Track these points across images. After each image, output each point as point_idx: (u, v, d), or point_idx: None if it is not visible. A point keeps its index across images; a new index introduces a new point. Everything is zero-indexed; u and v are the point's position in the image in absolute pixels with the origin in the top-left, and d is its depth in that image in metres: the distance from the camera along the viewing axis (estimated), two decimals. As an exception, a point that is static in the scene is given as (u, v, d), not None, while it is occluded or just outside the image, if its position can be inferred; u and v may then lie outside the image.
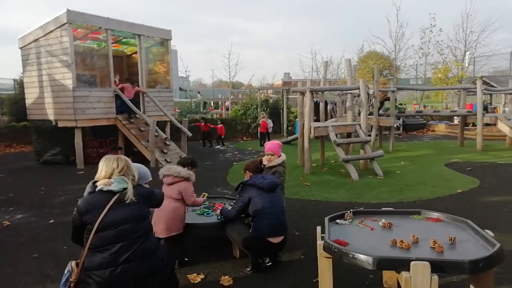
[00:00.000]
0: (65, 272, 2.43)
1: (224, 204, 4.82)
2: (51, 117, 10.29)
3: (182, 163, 4.11)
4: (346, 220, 3.31)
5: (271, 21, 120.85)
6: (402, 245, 2.68)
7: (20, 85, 15.53)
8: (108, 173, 2.53)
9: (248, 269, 3.73)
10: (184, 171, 3.91)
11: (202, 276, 3.64)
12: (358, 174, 8.02)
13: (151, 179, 3.00)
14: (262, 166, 4.15)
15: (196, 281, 3.55)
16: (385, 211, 3.54)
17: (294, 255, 4.09)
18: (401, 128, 17.30)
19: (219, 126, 14.43)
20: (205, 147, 13.96)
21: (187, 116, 17.28)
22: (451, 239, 2.73)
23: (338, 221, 3.29)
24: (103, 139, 11.09)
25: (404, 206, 5.84)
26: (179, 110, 20.40)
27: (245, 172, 3.99)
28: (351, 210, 3.46)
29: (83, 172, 9.48)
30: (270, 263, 3.82)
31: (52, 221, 5.60)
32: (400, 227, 3.11)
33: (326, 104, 13.62)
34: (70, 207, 6.18)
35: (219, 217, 4.09)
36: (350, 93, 10.41)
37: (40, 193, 7.28)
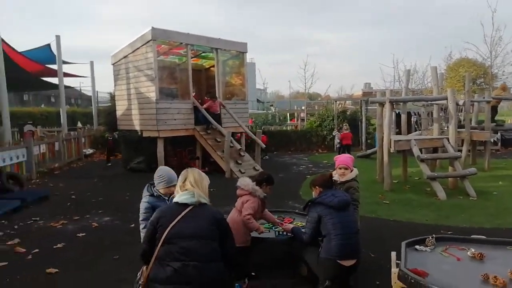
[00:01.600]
0: (138, 275, 2.53)
1: (294, 219, 4.65)
2: (137, 128, 11.12)
3: (257, 178, 4.05)
4: (427, 246, 2.93)
5: (349, 30, 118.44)
6: (496, 282, 2.27)
7: (113, 98, 17.15)
8: (178, 185, 2.59)
9: (316, 291, 3.50)
10: (250, 185, 3.85)
11: (266, 293, 3.51)
12: (445, 193, 7.26)
13: (175, 183, 2.97)
14: (333, 181, 3.90)
15: (260, 298, 3.44)
16: (476, 239, 3.08)
17: (368, 281, 3.76)
18: (499, 143, 15.41)
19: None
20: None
21: (262, 128, 17.46)
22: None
23: (417, 247, 2.93)
24: (182, 149, 11.65)
25: (502, 233, 5.09)
26: (254, 120, 20.75)
27: (313, 187, 3.74)
28: (434, 235, 3.06)
29: (163, 180, 10.00)
30: (339, 287, 3.54)
31: (133, 225, 5.93)
32: (493, 260, 2.66)
33: (409, 115, 12.73)
34: (149, 213, 6.53)
35: (280, 233, 3.95)
36: (437, 104, 9.56)
37: (125, 198, 7.83)
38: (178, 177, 2.68)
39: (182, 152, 11.59)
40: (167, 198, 3.28)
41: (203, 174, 2.68)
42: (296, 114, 26.21)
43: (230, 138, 10.23)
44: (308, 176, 10.00)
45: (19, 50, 13.18)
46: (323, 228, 3.41)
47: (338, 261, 3.32)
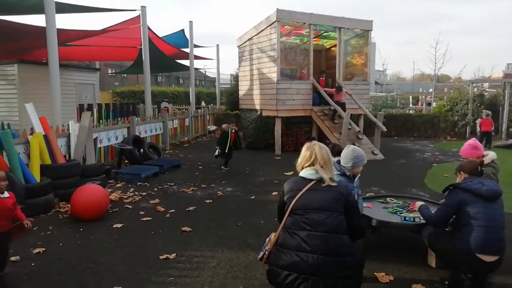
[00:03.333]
0: (266, 241, 2.69)
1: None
2: (257, 107, 11.59)
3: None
4: None
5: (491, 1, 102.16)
6: None
7: (235, 79, 18.16)
8: (302, 160, 2.69)
9: (447, 283, 3.24)
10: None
11: (391, 277, 3.38)
12: None
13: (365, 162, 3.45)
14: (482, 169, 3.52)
15: (384, 281, 3.33)
16: None
17: (510, 281, 3.32)
18: None
19: None
20: None
21: (382, 110, 16.53)
22: None
23: None
24: (298, 129, 11.77)
25: None
26: (373, 103, 19.77)
27: (458, 173, 3.43)
28: None
29: (279, 158, 10.32)
30: (475, 282, 3.20)
31: (253, 197, 6.30)
32: None
33: None
34: (267, 187, 6.84)
35: (406, 218, 3.75)
36: None
37: (245, 172, 8.32)
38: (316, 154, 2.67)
39: (298, 132, 11.72)
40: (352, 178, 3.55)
41: (327, 147, 2.72)
42: (420, 98, 24.18)
43: (348, 120, 9.94)
44: (435, 164, 9.17)
45: (160, 36, 14.79)
46: (463, 217, 3.11)
47: (478, 254, 3.00)
